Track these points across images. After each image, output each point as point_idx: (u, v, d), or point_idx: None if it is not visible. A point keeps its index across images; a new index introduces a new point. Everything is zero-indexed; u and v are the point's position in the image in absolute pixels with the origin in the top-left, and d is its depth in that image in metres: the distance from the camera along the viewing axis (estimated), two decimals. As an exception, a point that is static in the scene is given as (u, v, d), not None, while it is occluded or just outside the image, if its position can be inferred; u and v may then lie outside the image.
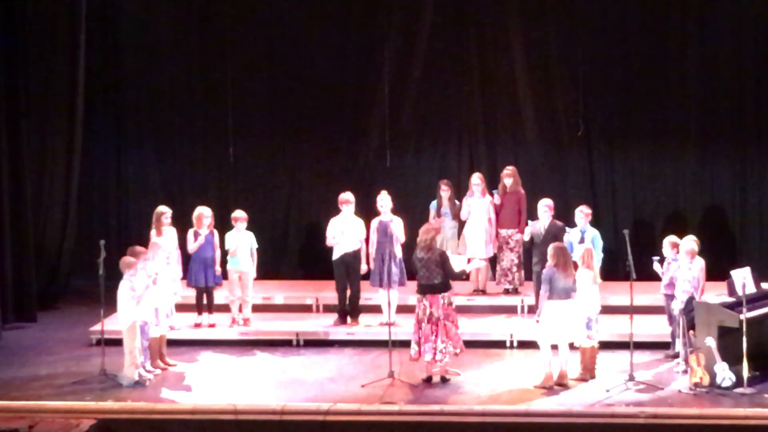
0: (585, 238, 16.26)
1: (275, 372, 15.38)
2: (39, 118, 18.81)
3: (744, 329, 14.02)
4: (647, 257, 15.60)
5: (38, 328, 17.80)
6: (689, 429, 13.12)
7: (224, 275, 16.97)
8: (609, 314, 16.14)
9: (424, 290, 14.63)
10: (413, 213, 18.42)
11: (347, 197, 16.95)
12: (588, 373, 14.73)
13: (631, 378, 14.40)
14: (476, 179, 17.96)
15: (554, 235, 16.27)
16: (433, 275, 14.59)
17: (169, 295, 15.68)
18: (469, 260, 17.54)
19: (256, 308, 17.29)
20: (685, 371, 14.50)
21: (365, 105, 19.85)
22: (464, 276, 17.50)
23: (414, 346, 14.66)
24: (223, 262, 16.91)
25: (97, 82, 19.80)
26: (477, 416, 13.42)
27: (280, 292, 18.34)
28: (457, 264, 15.06)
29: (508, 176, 17.93)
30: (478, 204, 17.86)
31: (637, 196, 19.67)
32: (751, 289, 14.64)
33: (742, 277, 14.56)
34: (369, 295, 17.18)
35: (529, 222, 17.07)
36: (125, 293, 14.53)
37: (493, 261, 18.12)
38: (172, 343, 15.88)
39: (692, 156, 19.50)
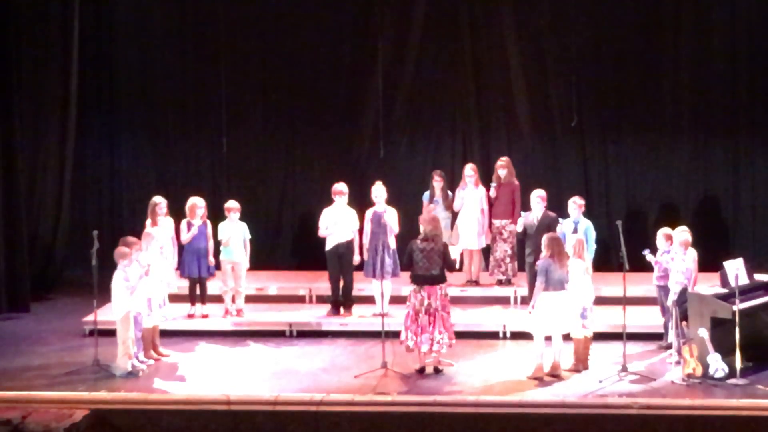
0: (578, 229, 16.27)
1: (268, 362, 15.39)
2: (32, 110, 18.78)
3: (737, 320, 14.05)
4: (640, 248, 15.60)
5: (31, 318, 17.78)
6: (682, 420, 13.14)
7: (218, 266, 16.97)
8: (602, 305, 16.17)
9: (422, 281, 14.61)
10: (406, 204, 18.40)
11: (340, 188, 16.94)
12: (581, 363, 14.75)
13: (624, 369, 14.42)
14: (469, 170, 17.96)
15: (547, 226, 16.28)
16: (432, 266, 14.59)
17: (162, 286, 15.66)
18: (462, 251, 17.64)
19: (250, 299, 17.29)
20: (678, 362, 14.51)
21: (359, 96, 19.83)
22: (458, 267, 17.61)
23: (411, 336, 14.64)
24: (217, 253, 16.91)
25: (90, 73, 19.78)
26: (470, 407, 13.44)
27: (273, 282, 18.33)
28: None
29: (503, 167, 17.92)
30: (472, 195, 17.86)
31: (630, 187, 19.69)
32: (743, 280, 14.67)
33: (735, 268, 14.59)
34: (362, 285, 17.18)
35: (522, 213, 17.08)
36: (119, 283, 14.52)
37: (486, 252, 18.12)
38: (166, 334, 15.88)
39: (685, 147, 19.52)
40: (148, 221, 16.47)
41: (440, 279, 14.65)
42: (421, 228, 14.84)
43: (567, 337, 14.70)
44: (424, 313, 14.58)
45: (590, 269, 15.22)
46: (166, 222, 16.56)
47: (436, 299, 14.59)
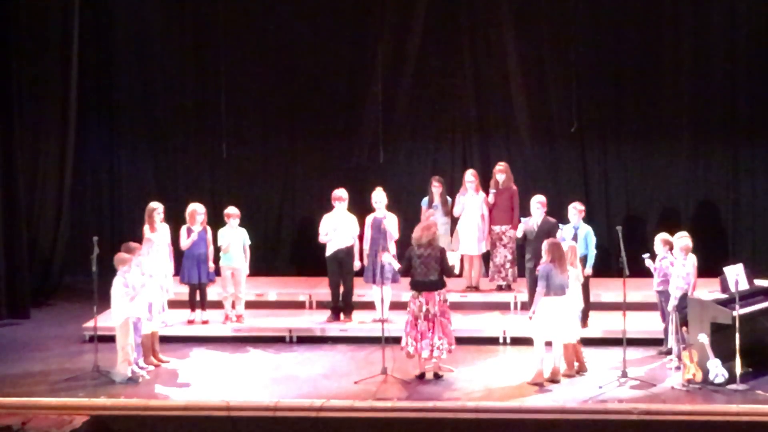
0: (578, 235, 16.26)
1: (268, 368, 15.38)
2: (32, 116, 18.80)
3: (737, 326, 14.04)
4: (640, 254, 15.61)
5: (31, 324, 17.77)
6: (682, 425, 13.14)
7: (217, 272, 16.97)
8: (602, 310, 16.22)
9: (421, 287, 14.61)
10: (406, 210, 18.41)
11: (340, 194, 16.94)
12: (577, 368, 14.72)
13: (624, 374, 14.40)
14: (470, 176, 17.97)
15: (547, 231, 16.26)
16: (430, 271, 14.57)
17: (161, 292, 15.67)
18: (462, 257, 17.63)
19: (249, 305, 17.28)
20: (678, 368, 14.52)
21: (358, 101, 19.84)
22: (458, 273, 17.62)
23: (411, 342, 14.63)
24: (216, 259, 16.92)
25: (90, 78, 19.77)
26: (470, 412, 13.43)
27: (273, 288, 18.33)
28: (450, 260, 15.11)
29: (501, 172, 17.93)
30: (472, 201, 17.86)
31: (630, 192, 19.68)
32: (743, 285, 14.67)
33: (735, 274, 14.58)
34: (362, 291, 17.17)
35: (522, 219, 17.08)
36: (119, 289, 14.53)
37: (486, 257, 18.12)
38: (165, 340, 15.88)
39: (685, 152, 19.52)
40: (146, 227, 16.48)
41: (438, 285, 14.64)
42: (417, 234, 14.82)
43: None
44: (423, 319, 14.57)
45: (581, 276, 15.25)
46: (163, 228, 16.56)
47: (434, 305, 14.58)
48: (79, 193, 19.90)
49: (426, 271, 14.59)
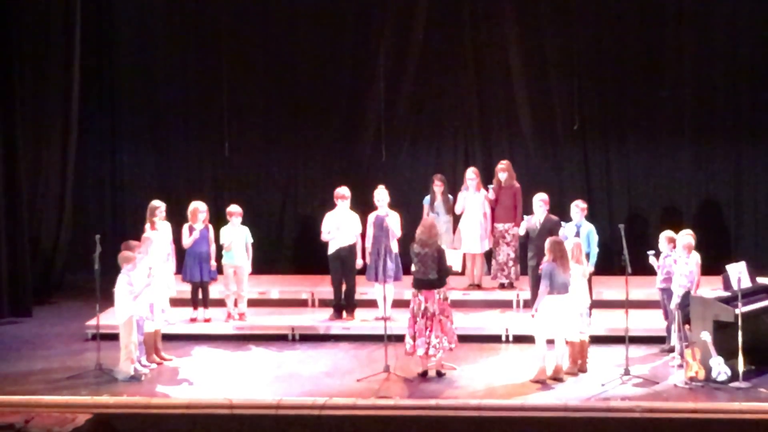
0: (580, 233, 16.24)
1: (271, 366, 15.38)
2: (34, 114, 18.78)
3: (739, 323, 14.03)
4: (643, 251, 15.60)
5: (34, 322, 17.77)
6: (685, 423, 13.14)
7: (219, 270, 16.97)
8: (604, 308, 16.20)
9: (420, 285, 14.62)
10: (408, 208, 18.38)
11: (343, 192, 16.95)
12: (578, 367, 14.72)
13: (627, 372, 14.39)
14: (471, 174, 17.97)
15: (549, 229, 16.25)
16: (428, 270, 14.57)
17: (164, 290, 15.66)
18: (464, 255, 17.63)
19: (252, 303, 17.28)
20: (681, 366, 14.52)
21: (361, 99, 19.83)
22: (461, 271, 17.62)
23: (409, 341, 14.67)
24: (219, 257, 16.92)
25: (92, 77, 19.75)
26: (472, 410, 13.43)
27: (275, 286, 18.33)
28: (450, 259, 15.07)
29: (503, 170, 17.92)
30: (473, 198, 17.86)
31: (632, 190, 19.67)
32: (746, 283, 14.66)
33: (738, 272, 14.59)
34: (364, 289, 17.18)
35: (525, 217, 17.07)
36: (122, 288, 14.53)
37: (489, 255, 18.11)
38: (168, 338, 15.88)
39: (687, 150, 19.51)
40: (147, 225, 16.48)
41: (437, 283, 14.62)
42: (417, 232, 14.82)
43: (567, 341, 14.70)
44: (421, 317, 14.57)
45: (587, 273, 15.24)
46: (164, 226, 16.56)
47: (433, 303, 14.56)
48: (81, 191, 19.89)
49: (424, 269, 14.59)
